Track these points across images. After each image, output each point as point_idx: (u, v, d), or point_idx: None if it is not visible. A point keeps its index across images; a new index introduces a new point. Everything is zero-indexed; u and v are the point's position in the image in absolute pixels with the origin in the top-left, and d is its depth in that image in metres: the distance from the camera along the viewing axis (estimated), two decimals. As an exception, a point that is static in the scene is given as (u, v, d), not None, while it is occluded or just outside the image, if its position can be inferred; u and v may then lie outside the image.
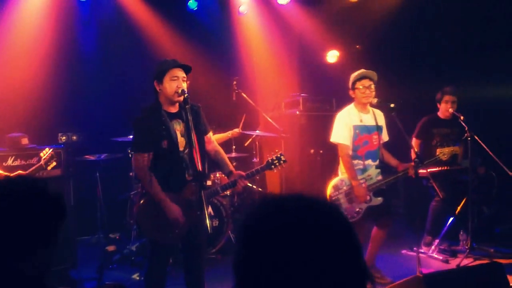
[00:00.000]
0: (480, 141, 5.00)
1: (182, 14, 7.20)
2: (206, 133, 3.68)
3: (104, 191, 6.04)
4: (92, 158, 5.81)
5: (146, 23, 6.91)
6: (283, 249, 0.98)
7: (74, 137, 6.20)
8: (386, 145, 4.76)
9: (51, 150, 4.14)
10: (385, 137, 4.70)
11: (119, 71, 6.73)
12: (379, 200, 4.49)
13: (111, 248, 5.27)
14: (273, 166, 3.75)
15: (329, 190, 4.53)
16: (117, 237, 6.12)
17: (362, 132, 4.55)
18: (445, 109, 5.59)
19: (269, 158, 3.79)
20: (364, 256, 4.20)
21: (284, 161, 3.77)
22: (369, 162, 4.55)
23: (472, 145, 5.02)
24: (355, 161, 4.54)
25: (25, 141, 4.73)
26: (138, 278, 4.73)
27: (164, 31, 6.93)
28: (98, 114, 6.62)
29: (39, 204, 1.50)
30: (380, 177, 4.54)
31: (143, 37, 6.89)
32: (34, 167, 4.14)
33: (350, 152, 4.52)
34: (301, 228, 1.00)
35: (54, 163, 4.16)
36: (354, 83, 4.53)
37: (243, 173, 3.63)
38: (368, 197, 4.44)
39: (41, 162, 4.11)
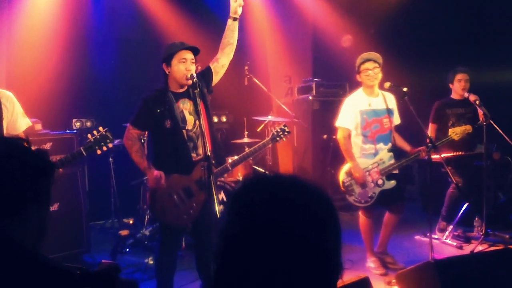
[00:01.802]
0: (496, 126, 4.91)
1: (194, 0, 7.15)
2: (210, 85, 3.72)
3: (117, 177, 6.11)
4: (105, 143, 5.84)
5: (158, 10, 6.89)
6: (264, 227, 0.98)
7: (89, 123, 6.24)
8: (399, 129, 4.71)
9: (105, 129, 3.44)
10: (396, 120, 4.66)
11: (132, 58, 6.75)
12: (392, 183, 4.46)
13: (124, 232, 5.32)
14: (278, 138, 3.82)
15: (341, 176, 4.52)
16: (131, 222, 6.18)
17: (370, 116, 4.51)
18: (458, 88, 5.47)
19: (273, 131, 3.81)
20: (375, 243, 4.19)
21: (288, 132, 3.85)
22: (380, 145, 4.51)
23: (487, 130, 4.94)
24: (367, 146, 4.50)
25: (38, 126, 4.77)
26: (151, 262, 4.78)
27: (176, 17, 6.91)
28: (112, 100, 6.65)
29: (21, 160, 1.45)
30: (392, 161, 4.50)
31: (155, 24, 6.88)
32: (73, 152, 3.52)
33: (355, 137, 4.53)
34: (284, 210, 0.99)
35: (109, 145, 3.48)
36: (359, 66, 4.51)
37: (229, 163, 3.72)
38: (369, 178, 4.43)
39: (80, 148, 3.44)
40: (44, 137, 4.69)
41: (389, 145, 4.55)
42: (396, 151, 4.61)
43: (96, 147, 3.38)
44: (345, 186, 4.49)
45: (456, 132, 4.75)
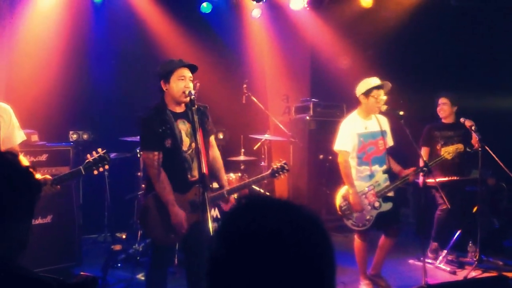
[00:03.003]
0: (490, 152, 4.92)
1: (195, 17, 7.23)
2: (211, 134, 3.69)
3: (111, 191, 6.07)
4: (101, 157, 5.83)
5: (158, 25, 6.95)
6: (254, 253, 0.98)
7: (85, 136, 6.24)
8: (391, 151, 4.73)
9: (103, 151, 3.38)
10: (389, 141, 4.69)
11: (130, 72, 6.77)
12: (388, 205, 4.47)
13: (117, 247, 5.27)
14: (276, 175, 3.79)
15: (338, 200, 4.51)
16: (124, 237, 6.13)
17: (366, 139, 4.54)
18: (440, 112, 5.59)
19: (273, 166, 3.81)
20: (370, 267, 4.16)
21: (287, 170, 3.83)
22: (376, 167, 4.53)
23: (483, 155, 4.95)
24: (362, 167, 4.52)
25: (34, 138, 4.76)
26: (143, 278, 4.74)
27: (176, 33, 6.96)
28: (109, 112, 6.67)
29: (8, 175, 1.47)
30: (388, 183, 4.51)
31: (155, 39, 6.92)
32: (72, 170, 3.43)
33: (350, 159, 4.53)
34: (275, 236, 0.98)
35: (106, 167, 3.39)
36: (370, 90, 4.48)
37: (227, 189, 3.65)
38: (365, 202, 4.43)
39: (79, 167, 3.35)
40: (40, 148, 4.68)
41: (384, 166, 4.56)
42: (391, 173, 4.62)
43: (94, 168, 3.33)
44: (342, 210, 4.48)
45: (448, 151, 4.74)
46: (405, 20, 7.19)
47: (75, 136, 6.15)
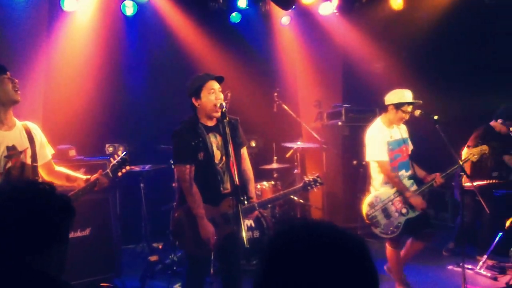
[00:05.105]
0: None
1: (225, 27, 7.29)
2: (242, 146, 3.71)
3: (148, 201, 6.18)
4: (136, 169, 5.96)
5: (189, 37, 7.03)
6: (300, 276, 0.99)
7: (121, 148, 6.36)
8: (419, 156, 4.66)
9: (124, 154, 3.55)
10: (410, 146, 4.66)
11: (163, 84, 6.90)
12: (416, 211, 4.39)
13: (153, 258, 5.36)
14: (309, 188, 3.78)
15: (364, 209, 4.47)
16: (160, 247, 6.23)
17: (394, 147, 4.51)
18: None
19: (305, 179, 3.80)
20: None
21: (321, 183, 3.82)
22: (402, 173, 4.49)
23: None
24: (389, 173, 4.46)
25: (72, 153, 4.91)
26: (179, 288, 4.80)
27: (207, 44, 7.03)
28: (143, 125, 6.81)
29: (48, 204, 1.63)
30: (414, 187, 4.46)
31: (186, 50, 7.02)
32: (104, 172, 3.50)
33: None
34: (322, 260, 1.01)
35: (128, 167, 3.56)
36: (402, 104, 4.42)
37: (256, 202, 3.68)
38: (392, 208, 4.38)
39: (107, 170, 3.49)
40: (78, 163, 4.82)
41: (410, 172, 4.53)
42: (416, 178, 4.54)
43: (119, 170, 3.51)
44: (370, 218, 4.43)
45: (473, 153, 4.61)
46: (438, 21, 7.05)
47: (111, 149, 6.28)
